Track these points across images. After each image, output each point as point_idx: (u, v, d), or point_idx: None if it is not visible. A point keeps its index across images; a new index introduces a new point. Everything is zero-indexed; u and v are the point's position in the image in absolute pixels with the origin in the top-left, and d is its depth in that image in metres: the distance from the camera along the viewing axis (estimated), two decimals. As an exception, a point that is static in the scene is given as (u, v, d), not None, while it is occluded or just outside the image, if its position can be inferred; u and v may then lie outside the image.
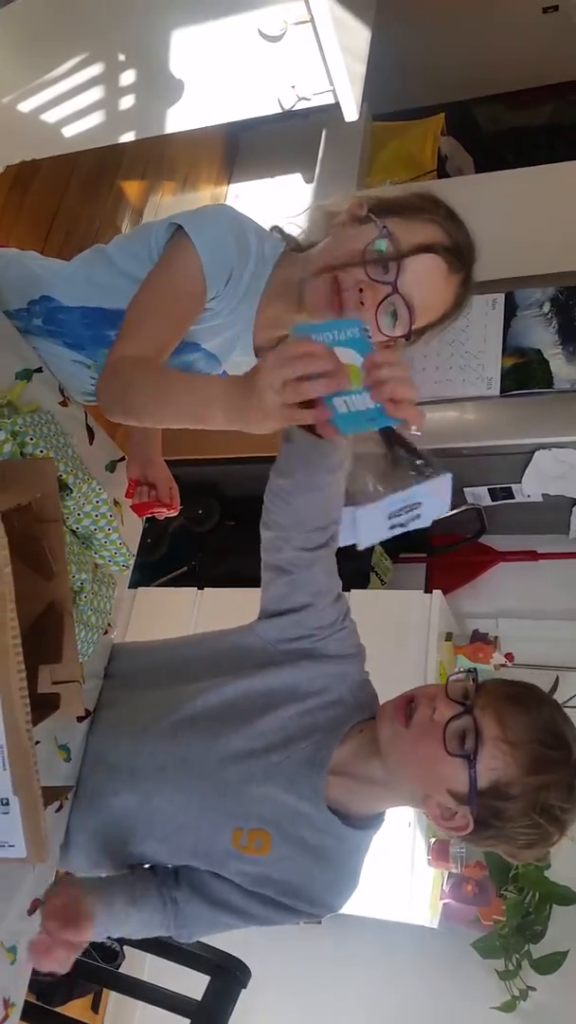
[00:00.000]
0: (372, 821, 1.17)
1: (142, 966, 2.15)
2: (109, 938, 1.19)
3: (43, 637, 1.04)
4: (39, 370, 1.23)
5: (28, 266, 1.30)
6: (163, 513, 1.45)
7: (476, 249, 1.12)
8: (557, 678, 2.84)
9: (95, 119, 2.22)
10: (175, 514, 1.46)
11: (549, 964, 2.43)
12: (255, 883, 1.15)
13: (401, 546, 3.13)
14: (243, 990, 1.40)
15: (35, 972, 1.12)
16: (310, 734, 1.16)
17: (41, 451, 1.11)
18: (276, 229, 1.22)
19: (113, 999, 2.60)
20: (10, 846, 0.86)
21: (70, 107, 2.20)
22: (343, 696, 1.20)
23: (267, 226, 1.22)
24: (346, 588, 2.71)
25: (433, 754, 1.04)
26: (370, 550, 2.94)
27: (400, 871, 2.31)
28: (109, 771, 1.21)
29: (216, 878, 1.17)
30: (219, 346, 1.22)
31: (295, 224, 1.23)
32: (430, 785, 1.07)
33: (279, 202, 3.64)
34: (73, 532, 1.19)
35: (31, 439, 1.10)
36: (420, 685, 1.16)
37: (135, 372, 1.05)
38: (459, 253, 1.09)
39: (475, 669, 1.13)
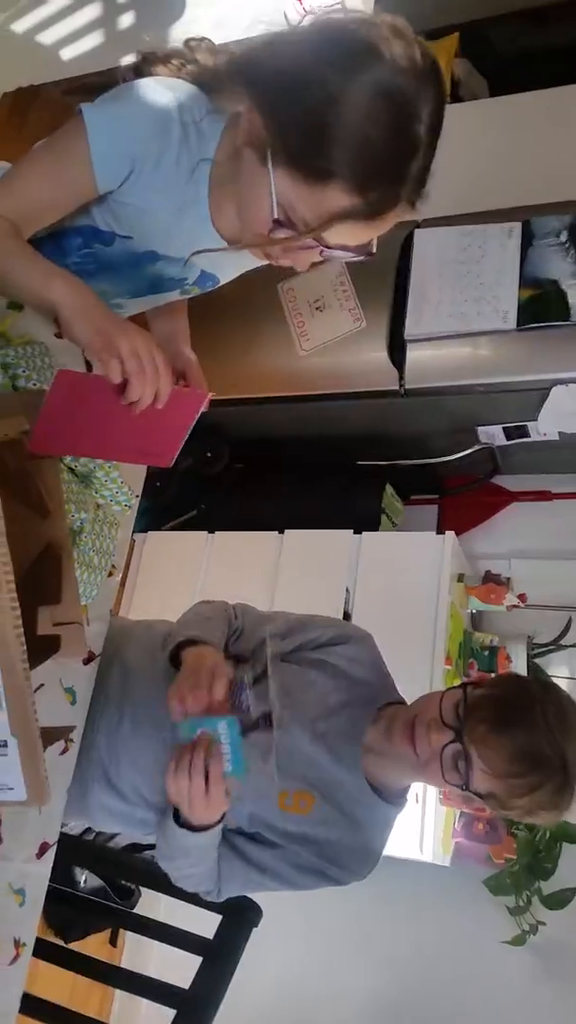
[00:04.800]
0: (399, 797, 1.26)
1: (157, 905, 2.17)
2: (124, 881, 1.22)
3: (42, 578, 1.00)
4: (32, 301, 1.17)
5: None
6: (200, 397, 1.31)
7: (410, 165, 0.89)
8: (570, 619, 2.82)
9: (94, 40, 2.12)
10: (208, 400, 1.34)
11: (558, 900, 2.45)
12: (293, 841, 1.20)
13: (412, 487, 3.09)
14: (255, 928, 1.41)
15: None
16: (345, 708, 1.25)
17: (34, 384, 1.06)
18: (196, 79, 1.02)
19: (131, 934, 2.64)
20: (9, 788, 0.84)
21: (66, 28, 2.10)
22: (368, 678, 1.29)
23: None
24: (356, 531, 2.72)
25: (437, 779, 1.15)
26: (381, 491, 2.90)
27: (412, 810, 2.31)
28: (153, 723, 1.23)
29: (252, 841, 1.22)
30: (180, 246, 1.10)
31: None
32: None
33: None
34: (72, 471, 1.15)
35: (23, 371, 1.06)
36: (424, 697, 1.23)
37: None
38: (378, 205, 0.90)
39: (466, 687, 1.18)
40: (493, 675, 1.32)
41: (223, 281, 1.22)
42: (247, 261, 1.17)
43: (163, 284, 1.18)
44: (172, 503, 2.96)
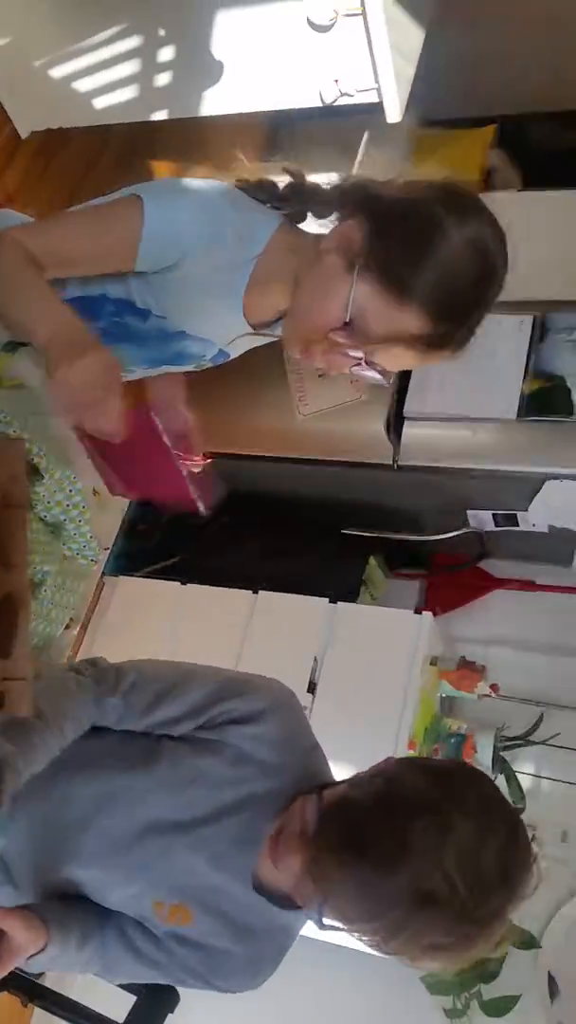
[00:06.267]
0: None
1: (73, 978, 2.08)
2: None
3: (-8, 629, 0.98)
4: (25, 343, 1.16)
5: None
6: (194, 464, 1.35)
7: (475, 316, 1.00)
8: (542, 714, 2.78)
9: (129, 93, 2.16)
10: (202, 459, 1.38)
11: (499, 1007, 2.37)
12: (178, 942, 1.08)
13: (399, 560, 3.07)
14: (170, 1014, 1.34)
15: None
16: (244, 806, 1.05)
17: (14, 431, 1.05)
18: (288, 194, 1.12)
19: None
20: None
21: (104, 78, 2.14)
22: (279, 760, 1.08)
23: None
24: (333, 599, 2.69)
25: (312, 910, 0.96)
26: (364, 562, 2.88)
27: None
28: (43, 816, 1.11)
29: (142, 930, 1.10)
30: (209, 329, 1.14)
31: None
32: None
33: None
34: (42, 520, 1.13)
35: (4, 417, 1.04)
36: (295, 809, 1.02)
37: (9, 253, 0.99)
38: (439, 340, 0.99)
39: (320, 791, 0.98)
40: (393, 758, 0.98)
41: (232, 356, 1.25)
42: (259, 340, 1.22)
43: (183, 359, 1.20)
44: (152, 549, 2.94)
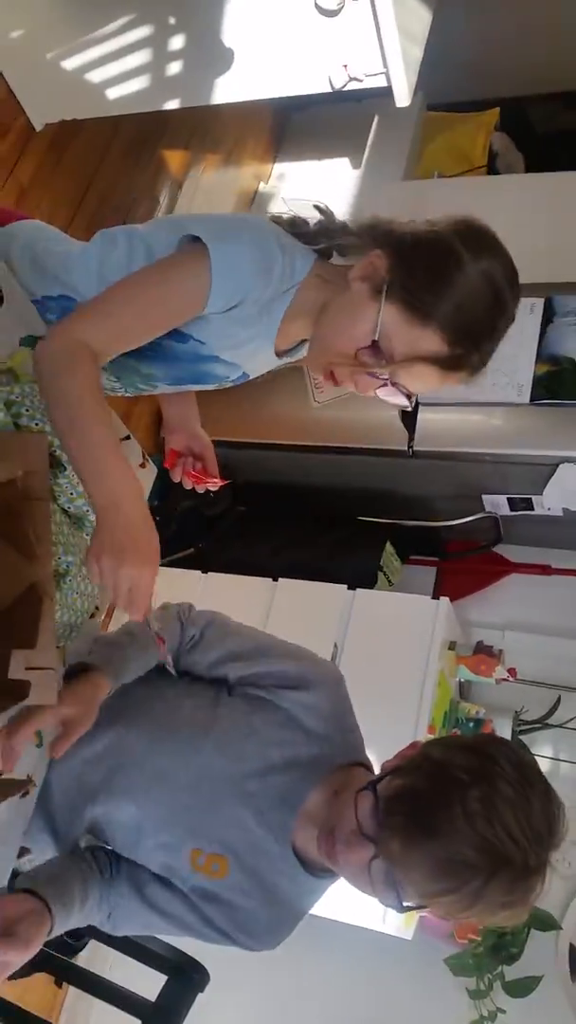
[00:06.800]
0: (333, 872, 1.11)
1: (106, 957, 2.12)
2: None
3: (19, 620, 0.99)
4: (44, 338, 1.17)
5: (50, 252, 1.21)
6: (216, 484, 1.40)
7: (489, 343, 1.08)
8: (559, 697, 2.78)
9: (140, 83, 2.16)
10: (223, 485, 1.41)
11: (521, 988, 2.38)
12: (203, 897, 1.11)
13: (413, 547, 3.08)
14: (200, 993, 1.36)
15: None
16: (289, 769, 1.11)
17: (36, 424, 1.06)
18: (318, 230, 1.17)
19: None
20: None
21: (115, 68, 2.14)
22: (325, 731, 1.15)
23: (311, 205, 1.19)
24: (351, 586, 2.70)
25: (367, 891, 1.01)
26: (381, 548, 2.88)
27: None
28: (84, 764, 1.17)
29: (160, 884, 1.13)
30: (240, 356, 1.18)
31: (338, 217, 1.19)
32: None
33: (324, 185, 3.55)
34: (65, 512, 1.14)
35: (27, 410, 1.05)
36: (341, 807, 1.04)
37: (81, 372, 0.98)
38: (457, 360, 1.05)
39: (375, 786, 1.01)
40: (420, 742, 1.01)
41: (252, 377, 1.28)
42: (280, 362, 1.26)
43: (209, 378, 1.22)
44: (171, 539, 2.95)
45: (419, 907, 0.97)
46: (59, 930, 1.07)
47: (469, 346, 1.05)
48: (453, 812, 0.92)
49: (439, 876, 0.92)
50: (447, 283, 1.02)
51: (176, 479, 1.39)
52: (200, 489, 1.41)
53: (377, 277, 1.06)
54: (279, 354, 1.20)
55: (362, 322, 1.05)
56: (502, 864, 0.91)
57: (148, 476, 1.52)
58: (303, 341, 1.21)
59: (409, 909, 0.97)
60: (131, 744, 1.15)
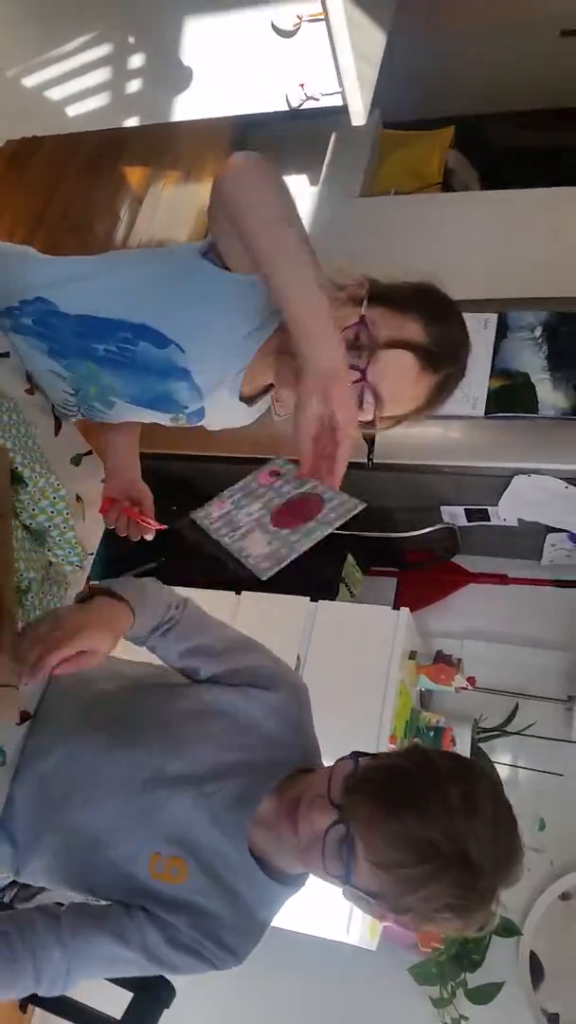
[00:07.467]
0: (292, 879, 1.11)
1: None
2: None
3: (-20, 637, 0.99)
4: (6, 355, 1.18)
5: (24, 266, 1.19)
6: (152, 529, 1.41)
7: (460, 353, 1.14)
8: (517, 704, 2.83)
9: (100, 100, 2.16)
10: (160, 530, 1.42)
11: (483, 995, 2.41)
12: (165, 907, 1.07)
13: (373, 558, 3.10)
14: (166, 1009, 1.36)
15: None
16: (245, 771, 1.11)
17: (-3, 441, 1.06)
18: None
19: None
20: None
21: (75, 86, 2.14)
22: (284, 737, 1.15)
23: None
24: (313, 598, 2.70)
25: (318, 868, 1.01)
26: (342, 560, 2.91)
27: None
28: (41, 781, 1.16)
29: (121, 908, 1.08)
30: (207, 383, 1.17)
31: None
32: None
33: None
34: (26, 527, 1.14)
35: (-13, 427, 1.05)
36: (315, 776, 1.07)
37: (291, 210, 0.99)
38: (433, 356, 1.10)
39: (357, 757, 1.03)
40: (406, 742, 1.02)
41: (202, 424, 1.29)
42: (236, 419, 1.31)
43: (167, 403, 1.20)
44: (131, 554, 2.94)
45: (367, 892, 0.96)
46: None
47: (446, 349, 1.11)
48: (433, 796, 0.93)
49: (400, 846, 0.92)
50: (424, 300, 1.12)
51: (110, 525, 1.39)
52: (134, 536, 1.41)
53: (357, 297, 1.11)
54: (244, 398, 1.22)
55: (347, 310, 1.10)
56: (463, 862, 0.91)
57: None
58: (269, 387, 1.23)
59: (352, 890, 0.97)
60: (87, 754, 1.15)
